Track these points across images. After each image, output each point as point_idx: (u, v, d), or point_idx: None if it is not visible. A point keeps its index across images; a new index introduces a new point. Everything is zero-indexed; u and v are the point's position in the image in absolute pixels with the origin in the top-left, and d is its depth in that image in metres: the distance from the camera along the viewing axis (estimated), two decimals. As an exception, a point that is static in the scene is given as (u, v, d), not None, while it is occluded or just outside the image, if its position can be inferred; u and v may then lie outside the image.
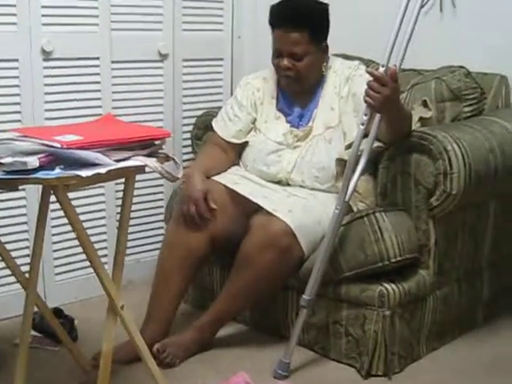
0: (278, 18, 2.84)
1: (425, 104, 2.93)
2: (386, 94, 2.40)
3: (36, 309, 2.36)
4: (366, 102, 2.45)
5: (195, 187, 2.83)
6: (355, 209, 2.76)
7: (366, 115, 2.50)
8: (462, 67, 3.05)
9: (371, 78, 2.42)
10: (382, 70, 2.45)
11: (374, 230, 2.61)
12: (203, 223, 2.80)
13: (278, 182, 2.96)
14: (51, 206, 2.31)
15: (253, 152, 3.01)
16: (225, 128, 3.05)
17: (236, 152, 3.08)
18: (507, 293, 3.18)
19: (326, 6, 2.89)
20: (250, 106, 3.03)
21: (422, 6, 2.52)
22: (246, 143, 3.04)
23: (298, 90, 2.92)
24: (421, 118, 2.87)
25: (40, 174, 1.92)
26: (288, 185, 2.95)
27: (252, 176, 2.99)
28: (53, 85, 3.09)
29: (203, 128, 3.43)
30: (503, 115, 2.99)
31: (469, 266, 2.91)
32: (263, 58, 3.23)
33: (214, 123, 3.11)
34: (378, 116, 2.51)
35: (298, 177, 2.92)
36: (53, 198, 2.16)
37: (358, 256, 2.62)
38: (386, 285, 2.63)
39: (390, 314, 2.62)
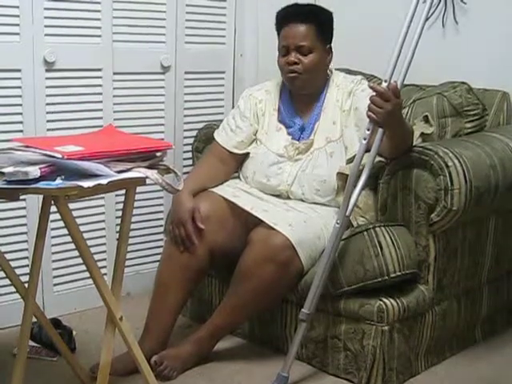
0: (286, 16, 2.90)
1: (426, 120, 2.94)
2: (389, 109, 2.41)
3: (34, 319, 2.35)
4: (368, 116, 2.46)
5: (182, 208, 2.83)
6: (355, 223, 2.76)
7: (368, 130, 2.50)
8: (463, 83, 3.06)
9: (374, 93, 2.43)
10: (384, 85, 2.45)
11: (374, 244, 2.60)
12: (193, 243, 2.80)
13: (279, 195, 2.96)
14: (51, 217, 2.31)
15: (253, 164, 3.01)
16: (227, 138, 3.04)
17: (236, 163, 3.07)
18: (507, 309, 3.18)
19: (330, 12, 2.95)
20: (253, 117, 3.03)
21: (426, 19, 2.54)
22: (246, 154, 3.04)
23: (302, 87, 2.91)
24: (422, 134, 2.88)
25: (41, 184, 1.92)
26: (288, 198, 2.94)
27: (252, 189, 2.98)
28: (55, 95, 3.10)
29: (204, 141, 3.43)
30: (505, 131, 3.00)
31: (468, 282, 2.90)
32: (264, 72, 3.24)
33: (215, 134, 3.10)
34: (380, 131, 2.52)
35: (298, 190, 2.91)
36: (52, 209, 2.16)
37: (357, 271, 2.62)
38: (385, 300, 2.62)
39: (388, 329, 2.61)
